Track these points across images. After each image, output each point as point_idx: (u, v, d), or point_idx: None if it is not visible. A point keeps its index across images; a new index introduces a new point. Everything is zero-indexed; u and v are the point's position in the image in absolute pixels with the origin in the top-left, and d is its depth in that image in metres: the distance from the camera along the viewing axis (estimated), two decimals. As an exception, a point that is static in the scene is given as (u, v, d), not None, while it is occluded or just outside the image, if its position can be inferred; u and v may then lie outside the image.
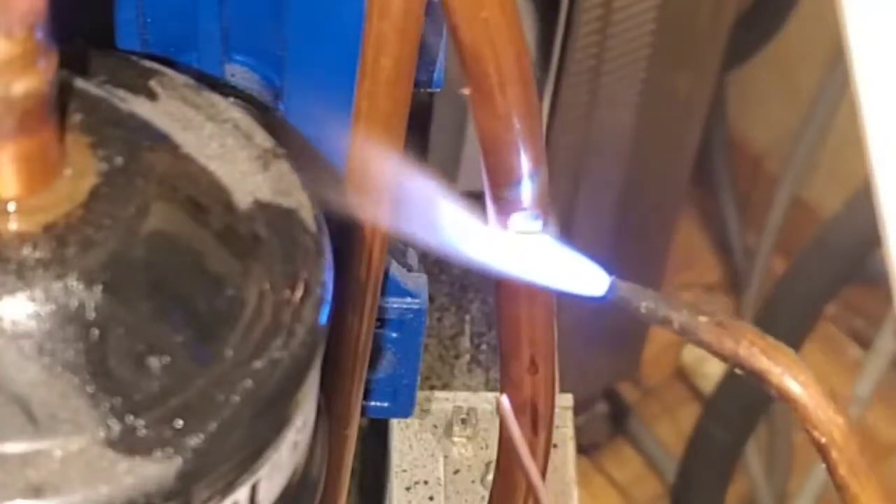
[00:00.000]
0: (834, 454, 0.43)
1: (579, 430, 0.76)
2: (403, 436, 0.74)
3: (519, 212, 0.47)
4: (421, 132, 0.85)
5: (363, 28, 0.46)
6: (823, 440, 0.43)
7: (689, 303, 0.45)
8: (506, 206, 0.48)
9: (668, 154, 1.29)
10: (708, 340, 0.44)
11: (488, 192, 0.49)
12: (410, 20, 0.46)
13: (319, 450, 0.48)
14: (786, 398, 0.43)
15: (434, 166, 0.87)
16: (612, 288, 0.46)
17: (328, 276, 0.44)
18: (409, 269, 0.58)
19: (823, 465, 1.33)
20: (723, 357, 0.44)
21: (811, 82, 1.52)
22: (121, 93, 0.46)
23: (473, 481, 0.73)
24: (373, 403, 0.62)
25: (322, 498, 0.49)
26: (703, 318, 0.44)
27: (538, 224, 0.47)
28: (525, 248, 0.47)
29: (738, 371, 0.44)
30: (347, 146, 0.51)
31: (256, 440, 0.41)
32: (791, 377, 0.44)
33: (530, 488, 0.58)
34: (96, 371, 0.40)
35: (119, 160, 0.43)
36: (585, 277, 0.46)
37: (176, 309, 0.42)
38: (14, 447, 0.38)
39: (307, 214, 0.45)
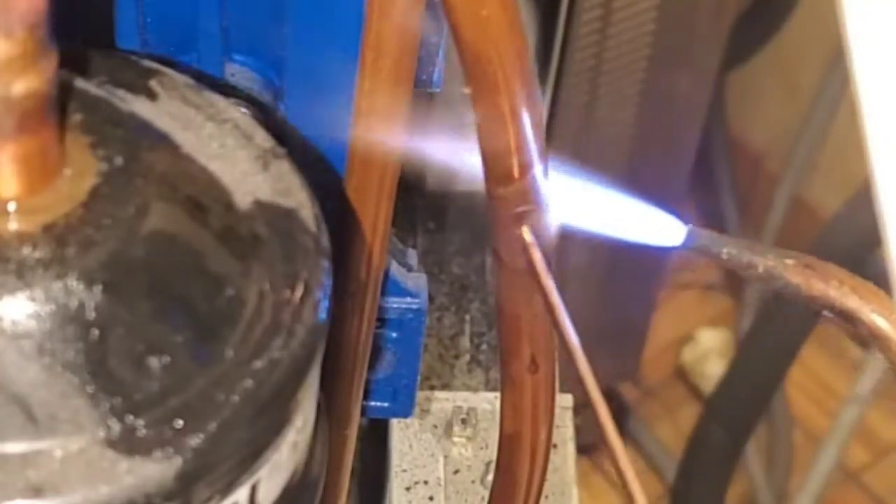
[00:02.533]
0: None
1: (579, 430, 0.76)
2: (403, 436, 0.74)
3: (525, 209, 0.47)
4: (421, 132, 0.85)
5: (363, 28, 0.46)
6: None
7: (773, 248, 0.45)
8: (506, 205, 0.48)
9: (668, 154, 1.29)
10: (796, 283, 0.44)
11: (488, 191, 0.49)
12: (410, 20, 0.46)
13: (319, 450, 0.48)
14: (877, 336, 0.43)
15: (435, 166, 0.87)
16: (690, 236, 0.46)
17: (328, 276, 0.44)
18: (409, 269, 0.58)
19: (821, 460, 1.31)
20: (811, 299, 0.44)
21: (811, 82, 1.52)
22: (121, 93, 0.46)
23: (473, 481, 0.73)
24: (373, 403, 0.62)
25: (322, 498, 0.49)
26: (789, 261, 0.44)
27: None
28: (598, 204, 0.46)
29: (826, 313, 0.44)
30: (347, 146, 0.51)
31: (256, 440, 0.41)
32: (882, 315, 0.43)
33: (531, 485, 0.58)
34: (96, 371, 0.40)
35: (119, 160, 0.43)
36: (662, 228, 0.46)
37: (176, 309, 0.42)
38: (14, 447, 0.38)
39: (307, 214, 0.45)
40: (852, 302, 0.43)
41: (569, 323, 0.45)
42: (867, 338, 0.43)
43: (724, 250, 0.45)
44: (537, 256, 0.46)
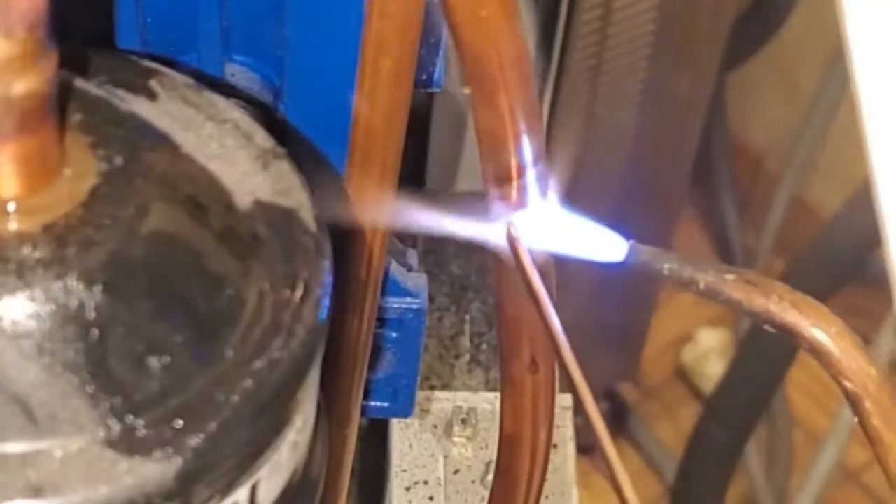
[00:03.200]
0: (867, 404, 0.43)
1: (579, 430, 0.76)
2: (403, 436, 0.74)
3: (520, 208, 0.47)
4: (421, 132, 0.85)
5: (363, 28, 0.46)
6: (856, 390, 0.43)
7: (714, 263, 0.45)
8: (505, 204, 0.48)
9: (668, 154, 1.29)
10: (737, 298, 0.44)
11: (488, 191, 0.49)
12: (410, 20, 0.46)
13: (319, 450, 0.48)
14: (817, 350, 0.43)
15: (434, 166, 0.87)
16: (631, 252, 0.46)
17: (328, 276, 0.44)
18: (409, 269, 0.58)
19: (821, 460, 1.31)
20: (752, 314, 0.44)
21: (811, 82, 1.52)
22: (121, 93, 0.46)
23: (473, 481, 0.73)
24: (373, 403, 0.62)
25: (322, 498, 0.49)
26: (730, 277, 0.44)
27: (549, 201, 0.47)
28: (541, 221, 0.47)
29: (767, 328, 0.44)
30: (347, 146, 0.51)
31: (256, 440, 0.41)
32: (822, 329, 0.43)
33: (531, 485, 0.58)
34: (96, 371, 0.40)
35: (119, 160, 0.43)
36: (604, 244, 0.46)
37: (176, 309, 0.42)
38: (14, 447, 0.38)
39: (307, 214, 0.45)
40: (792, 316, 0.43)
41: (558, 324, 0.45)
42: (808, 352, 0.43)
43: (665, 266, 0.45)
44: (525, 254, 0.46)
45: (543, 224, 0.47)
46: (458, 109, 0.88)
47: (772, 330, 0.44)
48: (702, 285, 0.45)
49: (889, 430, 0.43)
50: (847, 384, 0.43)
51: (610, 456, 0.41)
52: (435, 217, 0.47)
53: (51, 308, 0.40)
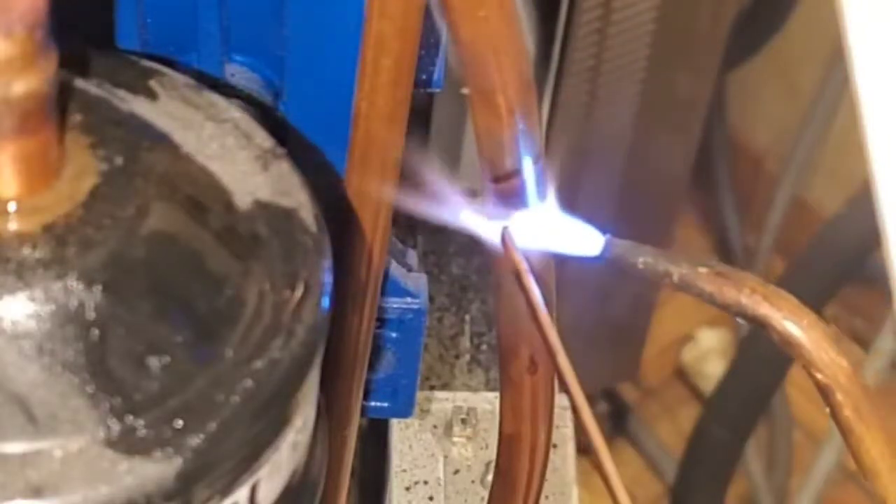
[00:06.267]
0: (839, 396, 0.43)
1: (579, 430, 0.76)
2: (403, 436, 0.74)
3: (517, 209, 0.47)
4: (421, 132, 0.85)
5: (363, 28, 0.46)
6: (827, 382, 0.43)
7: (687, 256, 0.45)
8: (504, 204, 0.48)
9: (668, 154, 1.29)
10: (709, 291, 0.44)
11: (486, 190, 0.49)
12: (410, 20, 0.46)
13: (319, 450, 0.48)
14: (788, 343, 0.43)
15: (434, 166, 0.87)
16: (607, 246, 0.46)
17: (328, 276, 0.44)
18: (409, 269, 0.58)
19: (821, 460, 1.31)
20: (724, 306, 0.44)
21: (811, 82, 1.52)
22: (121, 93, 0.46)
23: (473, 481, 0.73)
24: (373, 403, 0.62)
25: (322, 498, 0.49)
26: (702, 269, 0.44)
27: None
28: (519, 215, 0.47)
29: (739, 320, 0.44)
30: (347, 146, 0.51)
31: (256, 440, 0.41)
32: (793, 321, 0.43)
33: (530, 485, 0.58)
34: (96, 371, 0.40)
35: (119, 160, 0.43)
36: (580, 238, 0.46)
37: (176, 309, 0.42)
38: (14, 447, 0.38)
39: (307, 214, 0.45)
40: (764, 309, 0.44)
41: (551, 324, 0.45)
42: (780, 344, 0.44)
43: (640, 259, 0.46)
44: (518, 256, 0.46)
45: (530, 221, 0.47)
46: (458, 109, 0.88)
47: (743, 322, 0.44)
48: (675, 278, 0.45)
49: (860, 421, 0.43)
50: (818, 376, 0.43)
51: (607, 468, 0.42)
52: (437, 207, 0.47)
53: (51, 308, 0.40)
